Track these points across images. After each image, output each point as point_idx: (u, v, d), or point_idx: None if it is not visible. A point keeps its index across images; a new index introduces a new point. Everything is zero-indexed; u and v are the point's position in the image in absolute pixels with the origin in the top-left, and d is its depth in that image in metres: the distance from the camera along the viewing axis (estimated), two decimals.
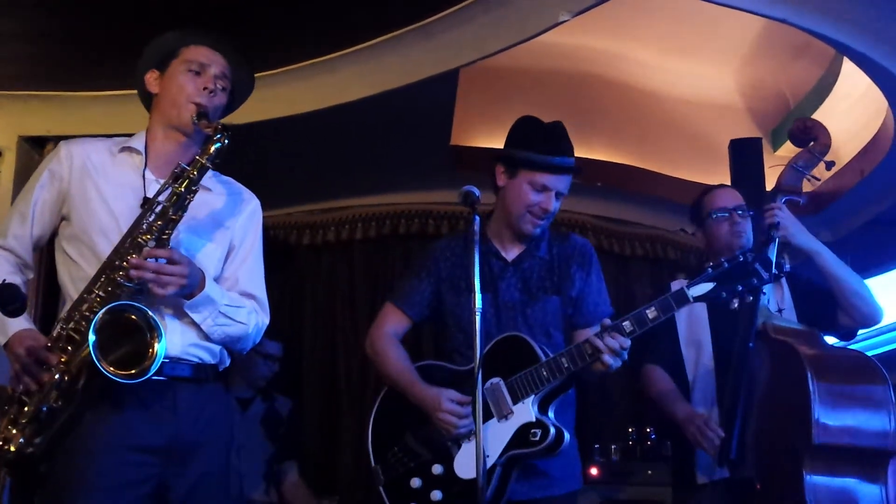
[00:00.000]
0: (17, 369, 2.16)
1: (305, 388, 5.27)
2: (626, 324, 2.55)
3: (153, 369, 2.14)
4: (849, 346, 3.18)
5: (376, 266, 5.43)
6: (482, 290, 2.42)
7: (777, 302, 3.03)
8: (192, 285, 2.25)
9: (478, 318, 2.37)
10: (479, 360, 2.35)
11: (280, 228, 5.45)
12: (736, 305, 2.67)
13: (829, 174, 2.98)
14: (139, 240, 2.20)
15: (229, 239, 2.47)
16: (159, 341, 2.15)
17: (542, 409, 2.61)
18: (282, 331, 4.59)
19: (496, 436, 2.58)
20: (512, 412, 2.60)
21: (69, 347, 2.16)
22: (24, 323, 2.23)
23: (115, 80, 4.23)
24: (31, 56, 4.08)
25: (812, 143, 3.10)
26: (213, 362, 2.37)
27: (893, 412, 2.70)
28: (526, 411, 2.59)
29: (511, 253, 2.82)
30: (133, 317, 2.14)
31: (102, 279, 2.19)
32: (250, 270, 2.48)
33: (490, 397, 2.61)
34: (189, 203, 2.25)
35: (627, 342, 2.53)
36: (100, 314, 2.09)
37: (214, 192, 2.48)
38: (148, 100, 2.49)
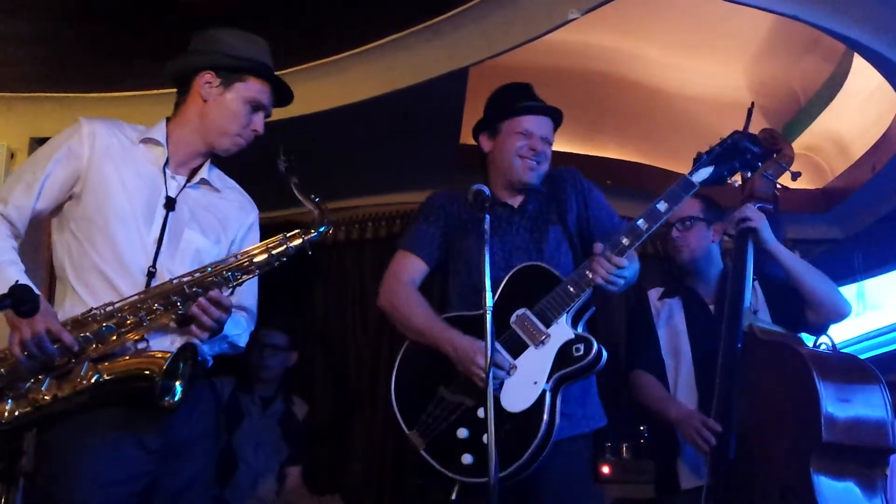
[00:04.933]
0: (26, 341, 2.10)
1: (316, 388, 5.26)
2: (641, 222, 2.64)
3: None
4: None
5: (386, 265, 5.40)
6: (490, 235, 2.43)
7: (752, 302, 3.04)
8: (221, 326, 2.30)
9: (488, 316, 2.33)
10: (489, 359, 2.31)
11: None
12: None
13: (794, 184, 3.14)
14: (210, 279, 2.24)
15: (229, 245, 2.49)
16: (181, 387, 2.20)
17: (574, 326, 2.61)
18: (295, 328, 4.63)
19: (538, 362, 2.55)
20: (548, 335, 2.58)
21: (89, 335, 2.16)
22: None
23: (126, 82, 4.24)
24: (42, 58, 4.09)
25: (776, 153, 3.13)
26: (200, 361, 2.39)
27: (890, 409, 2.75)
28: (563, 330, 2.58)
29: (516, 201, 2.86)
30: (184, 363, 2.20)
31: (168, 297, 2.21)
32: (248, 284, 2.48)
33: (520, 328, 2.59)
34: (270, 267, 2.33)
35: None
36: (177, 358, 2.16)
37: (223, 196, 2.48)
38: (184, 85, 2.45)
